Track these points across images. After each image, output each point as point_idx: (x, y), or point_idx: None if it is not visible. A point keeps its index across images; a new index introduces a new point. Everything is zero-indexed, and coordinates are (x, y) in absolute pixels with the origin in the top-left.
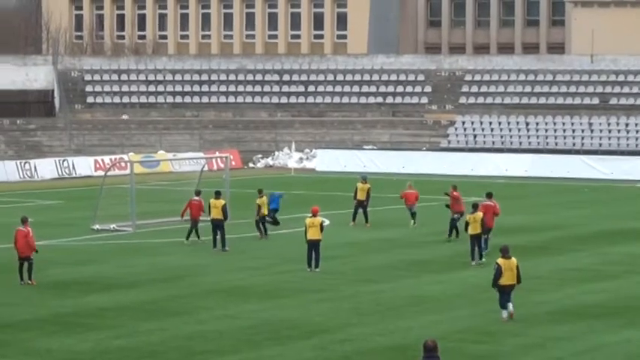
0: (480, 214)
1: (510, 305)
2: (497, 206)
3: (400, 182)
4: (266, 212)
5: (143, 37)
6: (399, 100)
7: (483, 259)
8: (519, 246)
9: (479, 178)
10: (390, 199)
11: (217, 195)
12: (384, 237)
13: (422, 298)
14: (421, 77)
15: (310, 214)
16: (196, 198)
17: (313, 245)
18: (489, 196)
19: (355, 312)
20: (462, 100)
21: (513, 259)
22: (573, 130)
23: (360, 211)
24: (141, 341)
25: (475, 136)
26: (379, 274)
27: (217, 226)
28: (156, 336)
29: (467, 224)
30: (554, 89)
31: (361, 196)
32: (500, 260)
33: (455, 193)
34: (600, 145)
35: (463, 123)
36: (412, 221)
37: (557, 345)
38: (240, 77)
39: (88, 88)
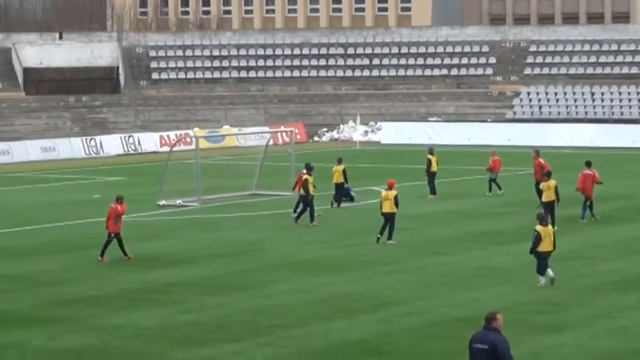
0: (553, 182)
1: (550, 271)
2: (596, 174)
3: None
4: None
5: (207, 12)
6: (463, 71)
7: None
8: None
9: (544, 149)
10: (457, 171)
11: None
12: (451, 209)
13: (490, 269)
14: (485, 49)
15: (386, 187)
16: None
17: (388, 218)
18: (589, 164)
19: (422, 284)
20: (527, 71)
21: (550, 227)
22: (639, 100)
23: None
24: (207, 316)
25: (540, 107)
26: (447, 246)
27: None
28: (222, 311)
29: (541, 192)
30: (619, 59)
31: (434, 167)
32: (538, 227)
33: (539, 160)
34: None
35: (528, 94)
36: (499, 190)
37: (623, 314)
38: (305, 51)
39: (153, 65)
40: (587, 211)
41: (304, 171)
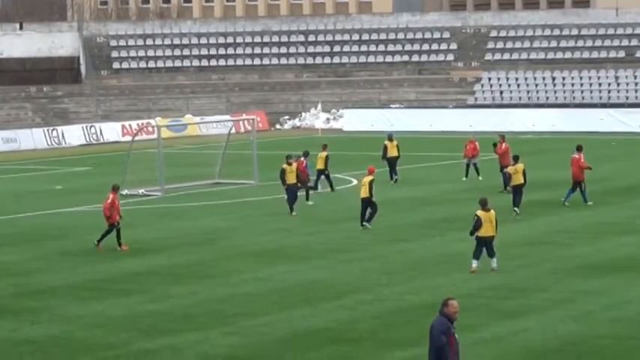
0: (521, 166)
1: (494, 262)
2: (581, 159)
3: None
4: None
5: (168, 1)
6: (424, 58)
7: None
8: (550, 201)
9: (506, 134)
10: (419, 157)
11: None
12: (413, 195)
13: (452, 256)
14: (446, 35)
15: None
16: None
17: (364, 203)
18: (579, 149)
19: (385, 271)
20: (488, 56)
21: (492, 212)
22: (599, 84)
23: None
24: (172, 305)
25: (501, 92)
26: (409, 232)
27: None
28: (187, 300)
29: (510, 175)
30: (580, 43)
31: (392, 153)
32: (479, 212)
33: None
34: (627, 98)
35: (489, 79)
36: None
37: (588, 299)
38: (266, 39)
39: (114, 54)
40: (584, 193)
41: (302, 158)
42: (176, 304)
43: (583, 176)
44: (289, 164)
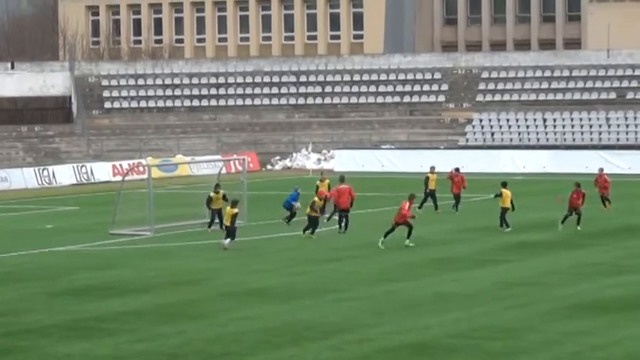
0: (508, 192)
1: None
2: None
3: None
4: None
5: (160, 41)
6: (416, 99)
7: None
8: (539, 242)
9: (497, 176)
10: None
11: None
12: (403, 235)
13: (441, 296)
14: (438, 75)
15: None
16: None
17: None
18: (578, 185)
19: (373, 311)
20: (479, 97)
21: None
22: (590, 126)
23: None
24: (160, 345)
25: (493, 134)
26: (397, 272)
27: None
28: (175, 339)
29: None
30: (571, 85)
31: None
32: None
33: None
34: (618, 139)
35: (480, 120)
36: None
37: (576, 340)
38: (257, 79)
39: (106, 94)
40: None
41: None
42: (163, 344)
43: (578, 204)
44: (217, 192)
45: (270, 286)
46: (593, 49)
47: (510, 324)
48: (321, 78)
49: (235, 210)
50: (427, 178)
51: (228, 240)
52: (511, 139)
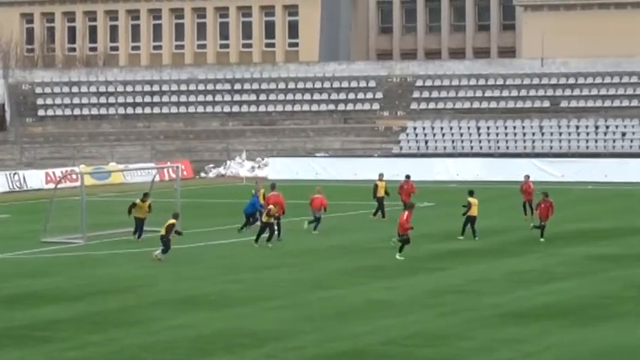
0: (475, 200)
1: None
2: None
3: None
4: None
5: (94, 49)
6: (350, 107)
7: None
8: (471, 249)
9: (431, 184)
10: (343, 206)
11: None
12: (335, 244)
13: (374, 303)
14: (372, 84)
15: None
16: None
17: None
18: (546, 195)
19: (307, 319)
20: (414, 105)
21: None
22: (524, 134)
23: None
24: (92, 353)
25: (427, 142)
26: (331, 280)
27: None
28: (107, 347)
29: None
30: (505, 93)
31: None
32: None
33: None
34: (551, 147)
35: (414, 129)
36: (307, 223)
37: (507, 347)
38: (192, 87)
39: (39, 101)
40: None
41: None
42: (95, 352)
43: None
44: (144, 201)
45: (204, 293)
46: (527, 58)
47: (442, 331)
48: (255, 86)
49: (172, 221)
50: (376, 186)
51: (159, 251)
52: (445, 147)
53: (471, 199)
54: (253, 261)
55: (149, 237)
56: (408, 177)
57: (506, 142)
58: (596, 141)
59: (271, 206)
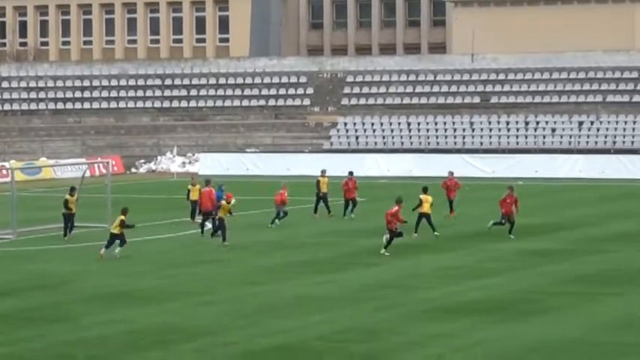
0: (429, 197)
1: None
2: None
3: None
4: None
5: (24, 44)
6: (281, 102)
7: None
8: (402, 245)
9: (361, 179)
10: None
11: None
12: (268, 239)
13: (305, 299)
14: (303, 79)
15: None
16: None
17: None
18: (511, 189)
19: (239, 314)
20: (344, 101)
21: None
22: (454, 130)
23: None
24: (21, 349)
25: (357, 137)
26: (263, 275)
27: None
28: (37, 343)
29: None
30: (436, 89)
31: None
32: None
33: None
34: (481, 143)
35: (345, 124)
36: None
37: (438, 342)
38: (122, 82)
39: None
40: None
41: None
42: (26, 348)
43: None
44: (72, 195)
45: (135, 289)
46: (457, 54)
47: (374, 326)
48: (186, 81)
49: (122, 217)
50: (318, 182)
51: (118, 249)
52: (375, 143)
53: (422, 196)
54: (184, 257)
55: (74, 233)
56: (351, 173)
57: (437, 137)
58: (526, 137)
59: (223, 202)
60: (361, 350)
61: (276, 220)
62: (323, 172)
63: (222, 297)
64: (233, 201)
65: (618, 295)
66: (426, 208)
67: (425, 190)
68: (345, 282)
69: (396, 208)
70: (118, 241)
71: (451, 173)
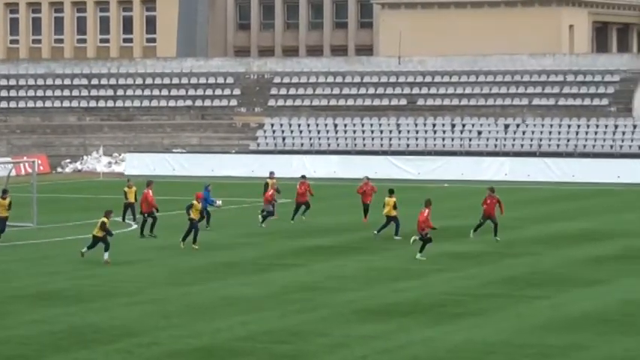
0: (392, 199)
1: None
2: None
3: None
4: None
5: None
6: (208, 103)
7: (397, 237)
8: (328, 246)
9: (288, 180)
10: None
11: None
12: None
13: (230, 299)
14: (230, 80)
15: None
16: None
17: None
18: (492, 190)
19: (163, 315)
20: (271, 102)
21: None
22: (381, 131)
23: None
24: None
25: (284, 138)
26: (188, 276)
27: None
28: None
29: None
30: (362, 91)
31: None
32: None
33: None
34: (408, 145)
35: (272, 125)
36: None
37: (363, 343)
38: (49, 81)
39: None
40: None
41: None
42: None
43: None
44: (4, 199)
45: (59, 288)
46: (384, 56)
47: (299, 327)
48: (113, 81)
49: (104, 219)
50: (267, 184)
51: (106, 255)
52: (302, 144)
53: (387, 199)
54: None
55: (5, 232)
56: (303, 177)
57: (364, 139)
58: (452, 139)
59: (194, 202)
60: (285, 351)
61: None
62: (271, 173)
63: (147, 297)
64: (219, 202)
65: (544, 297)
66: (387, 210)
67: (390, 193)
68: (270, 283)
69: (427, 211)
70: (103, 245)
71: (366, 178)
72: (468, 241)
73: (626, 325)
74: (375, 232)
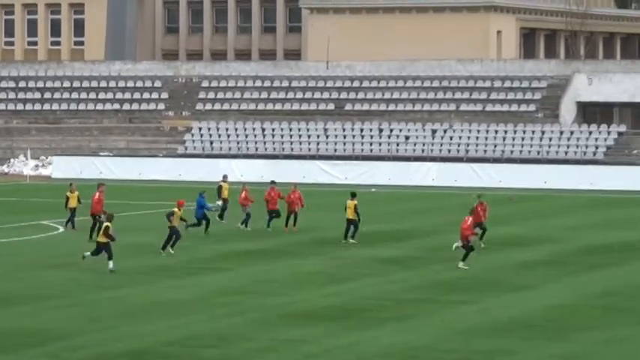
0: (353, 202)
1: None
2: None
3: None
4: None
5: None
6: (135, 106)
7: (352, 241)
8: (256, 250)
9: (215, 184)
10: (127, 206)
11: None
12: (126, 242)
13: (158, 303)
14: (158, 84)
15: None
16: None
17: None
18: (480, 197)
19: (91, 318)
20: (199, 106)
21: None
22: (309, 136)
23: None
24: None
25: (212, 142)
26: (115, 279)
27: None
28: None
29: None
30: (290, 95)
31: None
32: None
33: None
34: (335, 150)
35: (200, 129)
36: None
37: (290, 348)
38: None
39: None
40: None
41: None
42: None
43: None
44: None
45: None
46: (312, 61)
47: (225, 332)
48: (40, 84)
49: (107, 224)
50: (220, 187)
51: (111, 263)
52: (230, 148)
53: (348, 202)
54: (34, 260)
55: None
56: (273, 182)
57: (291, 143)
58: (380, 144)
59: (175, 209)
60: (212, 356)
61: (246, 221)
62: (224, 177)
63: (74, 301)
64: (217, 203)
65: (470, 302)
66: (348, 213)
67: (352, 196)
68: (198, 287)
69: (470, 219)
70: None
71: (272, 182)
72: (396, 246)
73: (552, 330)
74: (343, 240)
